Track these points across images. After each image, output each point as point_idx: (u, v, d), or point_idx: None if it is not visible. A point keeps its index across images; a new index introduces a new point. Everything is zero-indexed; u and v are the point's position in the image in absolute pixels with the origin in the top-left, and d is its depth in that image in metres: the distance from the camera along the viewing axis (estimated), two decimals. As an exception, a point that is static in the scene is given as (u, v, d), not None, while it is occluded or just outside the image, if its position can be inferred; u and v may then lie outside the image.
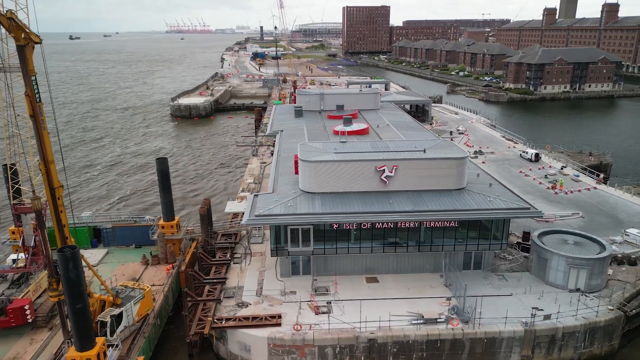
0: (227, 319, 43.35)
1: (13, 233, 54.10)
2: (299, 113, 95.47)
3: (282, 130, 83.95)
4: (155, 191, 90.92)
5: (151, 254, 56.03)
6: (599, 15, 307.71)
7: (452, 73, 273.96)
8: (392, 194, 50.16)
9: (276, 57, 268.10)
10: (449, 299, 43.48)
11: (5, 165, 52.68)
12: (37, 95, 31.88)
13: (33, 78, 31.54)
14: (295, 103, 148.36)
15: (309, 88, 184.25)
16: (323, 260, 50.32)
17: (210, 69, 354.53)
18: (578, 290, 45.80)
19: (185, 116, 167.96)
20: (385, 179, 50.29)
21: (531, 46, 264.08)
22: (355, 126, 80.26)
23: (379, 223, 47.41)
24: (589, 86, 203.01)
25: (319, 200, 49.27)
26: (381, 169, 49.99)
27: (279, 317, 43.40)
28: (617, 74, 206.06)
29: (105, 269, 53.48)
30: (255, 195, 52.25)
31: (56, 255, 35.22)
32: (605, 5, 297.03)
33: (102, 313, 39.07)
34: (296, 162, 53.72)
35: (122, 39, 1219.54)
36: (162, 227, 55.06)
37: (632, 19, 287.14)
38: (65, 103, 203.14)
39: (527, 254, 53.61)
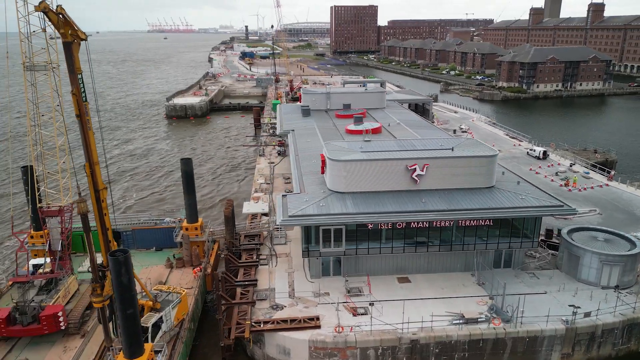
0: (265, 322, 42.46)
1: (32, 237, 52.45)
2: (306, 112, 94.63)
3: (293, 130, 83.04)
4: (164, 193, 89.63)
5: (174, 257, 54.81)
6: (582, 15, 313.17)
7: (444, 72, 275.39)
8: (423, 193, 49.76)
9: (273, 56, 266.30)
10: (491, 297, 43.22)
11: (25, 167, 51.09)
12: (83, 94, 30.66)
13: (79, 76, 30.30)
14: (293, 102, 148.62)
15: (304, 87, 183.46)
16: (354, 260, 49.70)
17: (198, 69, 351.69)
18: (617, 287, 45.86)
19: (181, 116, 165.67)
20: (416, 178, 49.86)
21: (521, 45, 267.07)
22: (368, 125, 79.71)
23: (414, 222, 46.96)
24: (580, 84, 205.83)
25: (350, 200, 48.62)
26: (412, 167, 49.56)
27: (317, 319, 42.69)
28: (607, 72, 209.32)
29: (129, 273, 52.13)
30: (283, 195, 51.41)
31: (97, 259, 34.08)
32: (591, 5, 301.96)
33: (142, 318, 37.82)
34: (323, 162, 52.96)
35: (104, 38, 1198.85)
36: (186, 229, 53.86)
37: (617, 18, 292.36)
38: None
39: (554, 252, 53.76)
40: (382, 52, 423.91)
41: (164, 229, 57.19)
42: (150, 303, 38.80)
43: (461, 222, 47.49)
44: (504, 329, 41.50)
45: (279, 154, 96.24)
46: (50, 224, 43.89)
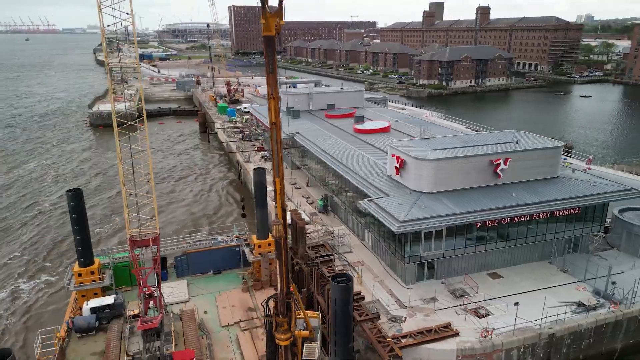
0: (402, 337, 39.67)
1: (80, 275, 43.67)
2: (295, 114, 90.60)
3: (297, 132, 78.96)
4: (166, 208, 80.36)
5: (243, 278, 49.17)
6: (466, 17, 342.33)
7: (358, 72, 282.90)
8: (508, 187, 50.16)
9: (209, 58, 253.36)
10: (614, 282, 44.76)
11: (71, 190, 42.80)
12: (280, 98, 25.82)
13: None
14: (233, 104, 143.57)
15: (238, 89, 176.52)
16: (447, 261, 48.55)
17: (89, 72, 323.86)
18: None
19: (109, 124, 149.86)
20: (499, 173, 50.09)
21: (431, 45, 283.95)
22: (378, 124, 78.80)
23: (517, 217, 47.13)
24: (489, 80, 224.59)
25: (446, 200, 47.35)
26: (497, 162, 49.70)
27: (450, 325, 40.92)
28: (509, 69, 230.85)
29: (206, 302, 45.65)
30: (369, 200, 48.59)
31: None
32: (479, 8, 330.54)
33: (305, 352, 33.05)
34: (401, 162, 50.93)
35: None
36: (259, 246, 48.52)
37: (502, 20, 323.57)
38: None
39: (603, 233, 57.39)
40: (288, 53, 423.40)
41: (223, 249, 50.91)
42: (307, 332, 34.01)
43: (556, 213, 48.68)
44: (621, 311, 43.29)
45: (265, 159, 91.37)
46: (144, 255, 36.77)
